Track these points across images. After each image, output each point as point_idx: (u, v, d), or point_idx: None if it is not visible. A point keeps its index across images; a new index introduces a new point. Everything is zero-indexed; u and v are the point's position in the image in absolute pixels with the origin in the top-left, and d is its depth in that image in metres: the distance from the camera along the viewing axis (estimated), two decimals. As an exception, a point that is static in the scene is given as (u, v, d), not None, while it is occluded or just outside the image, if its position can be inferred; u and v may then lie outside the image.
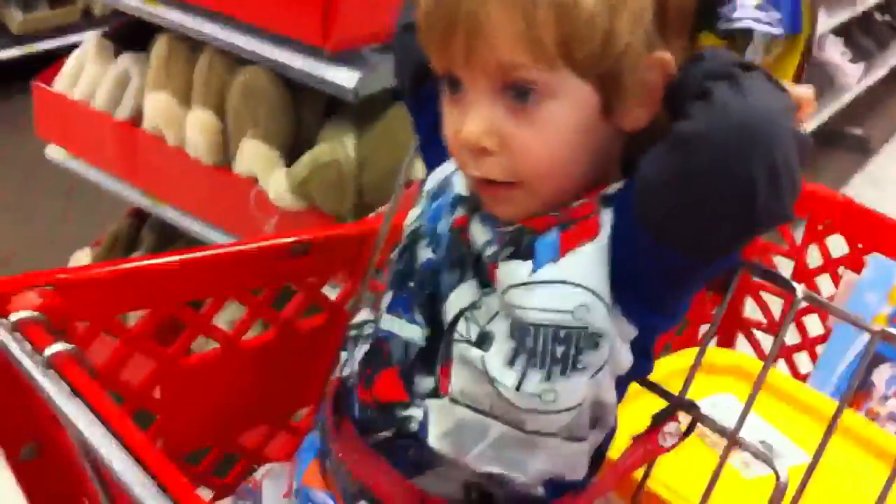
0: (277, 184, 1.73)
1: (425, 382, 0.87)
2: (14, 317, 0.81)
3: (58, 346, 0.77)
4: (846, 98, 3.81)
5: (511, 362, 0.81)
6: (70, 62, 2.17)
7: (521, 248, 0.82)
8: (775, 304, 1.57)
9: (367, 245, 1.11)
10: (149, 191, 2.03)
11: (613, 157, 0.84)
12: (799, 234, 1.49)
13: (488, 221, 0.86)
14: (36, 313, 0.83)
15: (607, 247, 0.80)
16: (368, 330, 0.94)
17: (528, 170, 0.80)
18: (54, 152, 2.21)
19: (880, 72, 4.14)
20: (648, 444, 0.91)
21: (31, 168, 2.59)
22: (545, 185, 0.82)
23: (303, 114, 1.83)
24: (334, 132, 1.78)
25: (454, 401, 0.84)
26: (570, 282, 0.79)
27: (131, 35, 2.14)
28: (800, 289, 0.87)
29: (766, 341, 1.59)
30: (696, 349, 1.38)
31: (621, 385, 0.88)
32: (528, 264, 0.80)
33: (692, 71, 0.78)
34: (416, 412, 0.86)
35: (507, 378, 0.80)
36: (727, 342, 1.62)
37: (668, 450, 0.92)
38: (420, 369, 0.87)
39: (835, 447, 1.17)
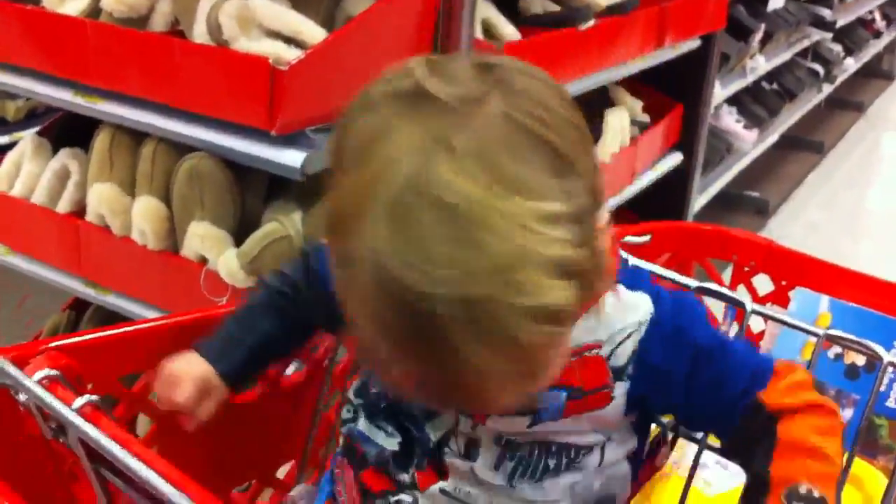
0: (229, 263, 1.78)
1: (403, 476, 0.97)
2: (38, 375, 0.86)
3: (85, 398, 0.83)
4: (743, 163, 4.03)
5: (496, 467, 0.92)
6: (6, 162, 2.20)
7: None
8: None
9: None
10: (92, 280, 2.06)
11: None
12: (727, 277, 1.61)
13: None
14: (55, 371, 0.88)
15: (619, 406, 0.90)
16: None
17: None
18: (-7, 250, 2.23)
19: (772, 137, 4.38)
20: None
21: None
22: None
23: (246, 194, 1.90)
24: (279, 211, 1.85)
25: (446, 493, 0.94)
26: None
27: (67, 131, 2.20)
28: (748, 303, 0.97)
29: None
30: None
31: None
32: (526, 420, 0.89)
33: None
34: (405, 497, 0.97)
35: (497, 479, 0.92)
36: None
37: (662, 466, 1.01)
38: (397, 467, 0.97)
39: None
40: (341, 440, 1.04)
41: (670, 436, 1.01)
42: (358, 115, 0.75)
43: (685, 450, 1.16)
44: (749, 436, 0.87)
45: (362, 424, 0.99)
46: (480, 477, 0.92)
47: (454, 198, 0.66)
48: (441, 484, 0.95)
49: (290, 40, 1.73)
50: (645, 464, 1.01)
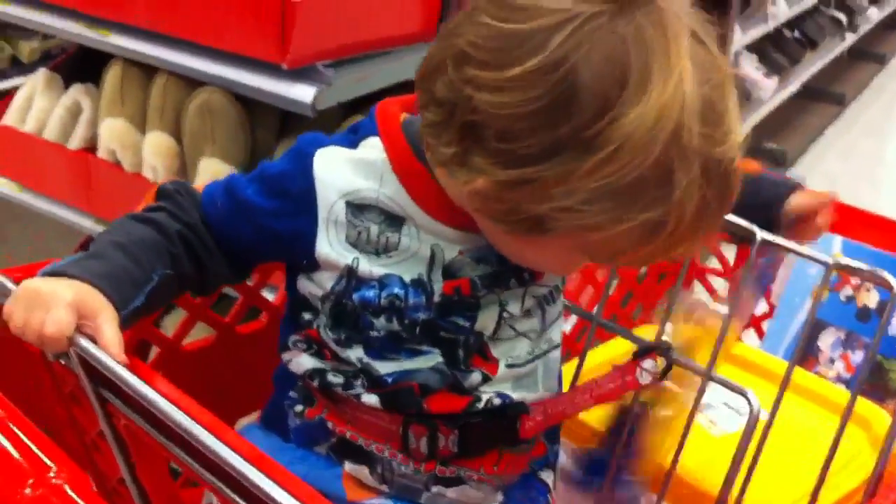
0: (238, 199, 1.78)
1: (473, 378, 0.96)
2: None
3: (85, 316, 0.82)
4: (762, 112, 3.98)
5: (532, 314, 0.98)
6: (19, 97, 2.19)
7: None
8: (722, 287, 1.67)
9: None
10: (102, 218, 2.06)
11: None
12: (740, 218, 1.59)
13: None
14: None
15: None
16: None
17: None
18: (4, 186, 2.23)
19: (793, 87, 4.32)
20: (628, 375, 0.99)
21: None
22: None
23: (258, 131, 1.89)
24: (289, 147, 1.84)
25: (510, 366, 0.97)
26: None
27: (79, 67, 2.18)
28: (758, 231, 0.96)
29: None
30: (653, 327, 1.47)
31: None
32: None
33: None
34: (488, 394, 0.97)
35: (536, 325, 0.98)
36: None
37: (643, 386, 0.99)
38: (462, 375, 0.96)
39: (792, 404, 1.26)
40: (368, 398, 0.96)
41: (660, 363, 0.99)
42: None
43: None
44: None
45: (391, 366, 0.95)
46: (521, 330, 0.97)
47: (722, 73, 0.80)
48: (504, 360, 0.97)
49: (302, -28, 1.71)
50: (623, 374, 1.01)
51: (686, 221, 0.78)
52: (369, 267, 0.92)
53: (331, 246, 0.92)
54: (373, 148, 0.93)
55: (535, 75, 0.75)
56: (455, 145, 0.81)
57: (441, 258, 0.92)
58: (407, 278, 0.92)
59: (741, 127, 0.81)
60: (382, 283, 0.92)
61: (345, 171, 0.92)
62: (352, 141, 0.94)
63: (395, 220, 0.91)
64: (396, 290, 0.92)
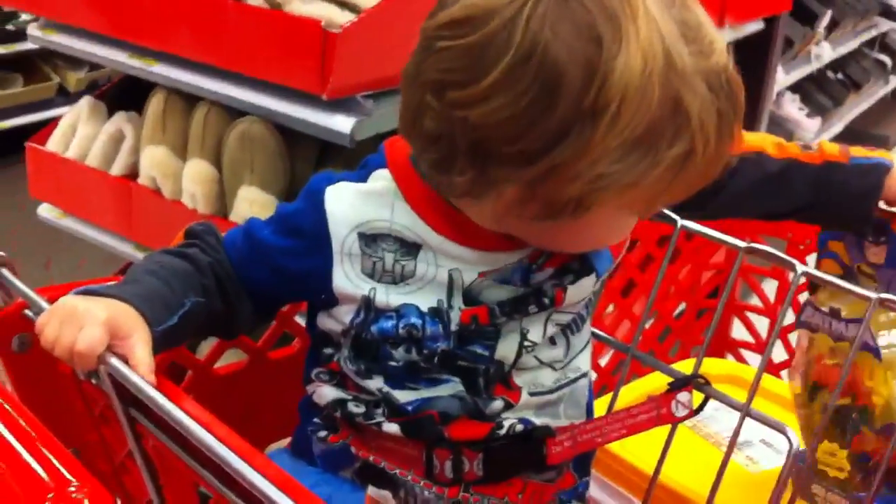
0: (276, 228, 1.78)
1: (495, 405, 0.96)
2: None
3: (117, 335, 0.82)
4: (805, 153, 3.94)
5: (556, 342, 0.97)
6: (63, 123, 2.21)
7: (578, 268, 0.95)
8: (761, 325, 1.65)
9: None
10: (143, 244, 2.07)
11: None
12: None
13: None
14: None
15: None
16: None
17: None
18: (47, 211, 2.25)
19: (836, 128, 4.29)
20: (663, 409, 0.97)
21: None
22: None
23: (297, 160, 1.90)
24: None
25: (534, 394, 0.97)
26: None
27: (123, 95, 2.21)
28: (798, 265, 0.94)
29: (751, 359, 1.66)
30: (690, 360, 1.45)
31: None
32: (593, 278, 0.97)
33: None
34: (510, 421, 0.97)
35: (559, 353, 0.98)
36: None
37: (679, 420, 0.97)
38: (483, 403, 0.96)
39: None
40: (389, 427, 0.97)
41: (687, 398, 0.97)
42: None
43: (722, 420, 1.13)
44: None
45: (411, 395, 0.95)
46: (545, 360, 0.97)
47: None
48: (527, 389, 0.97)
49: (343, 4, 1.72)
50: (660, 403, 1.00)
51: (712, 140, 0.79)
52: (386, 297, 0.93)
53: (347, 278, 0.93)
54: (381, 179, 0.94)
55: (513, 72, 0.76)
56: (469, 170, 0.82)
57: (460, 282, 0.92)
58: (424, 307, 0.93)
59: (716, 31, 0.80)
60: (399, 313, 0.93)
61: (355, 204, 0.93)
62: (361, 176, 0.96)
63: (410, 248, 0.92)
64: (413, 319, 0.92)
